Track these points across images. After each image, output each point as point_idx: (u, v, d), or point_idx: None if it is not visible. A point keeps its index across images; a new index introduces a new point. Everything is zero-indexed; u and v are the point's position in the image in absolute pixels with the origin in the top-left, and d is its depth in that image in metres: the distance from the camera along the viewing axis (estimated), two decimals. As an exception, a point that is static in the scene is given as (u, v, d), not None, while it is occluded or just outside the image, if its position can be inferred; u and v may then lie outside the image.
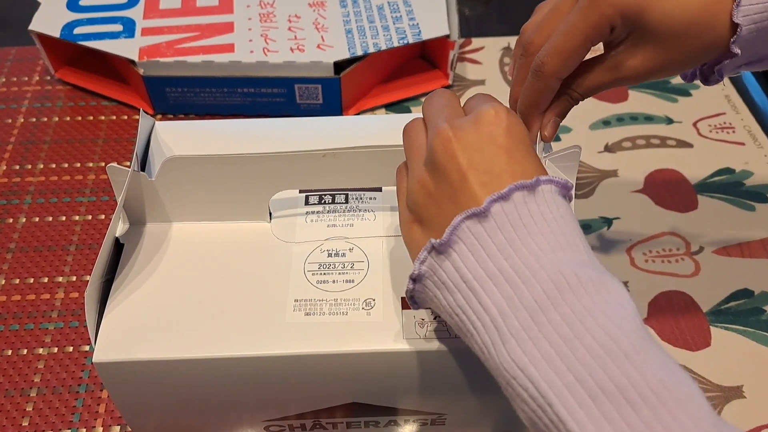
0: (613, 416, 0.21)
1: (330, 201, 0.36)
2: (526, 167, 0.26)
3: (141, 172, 0.33)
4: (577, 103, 0.33)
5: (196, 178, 0.33)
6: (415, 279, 0.27)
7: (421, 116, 0.30)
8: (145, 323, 0.31)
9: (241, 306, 0.32)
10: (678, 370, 0.22)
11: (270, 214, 0.35)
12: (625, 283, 0.47)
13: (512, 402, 0.24)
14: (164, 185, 0.33)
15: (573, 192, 0.27)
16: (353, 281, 0.33)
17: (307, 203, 0.36)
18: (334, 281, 0.33)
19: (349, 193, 0.36)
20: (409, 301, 0.28)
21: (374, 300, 0.32)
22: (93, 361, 0.30)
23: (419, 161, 0.28)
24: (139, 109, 0.55)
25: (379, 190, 0.37)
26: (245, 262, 0.33)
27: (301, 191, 0.37)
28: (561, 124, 0.34)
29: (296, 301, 0.32)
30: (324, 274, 0.33)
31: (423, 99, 0.60)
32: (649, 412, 0.20)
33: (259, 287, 0.32)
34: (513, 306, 0.23)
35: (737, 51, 0.29)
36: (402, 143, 0.31)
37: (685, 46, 0.29)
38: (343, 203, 0.36)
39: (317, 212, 0.36)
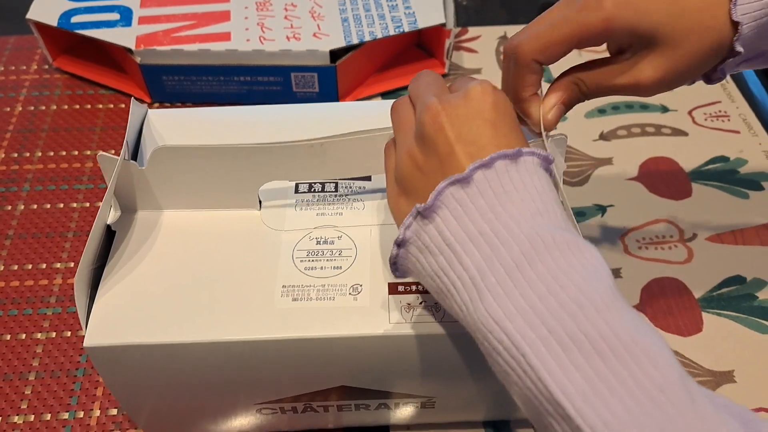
0: (581, 365, 0.21)
1: (320, 190, 0.36)
2: (511, 140, 0.27)
3: (131, 161, 0.33)
4: (584, 98, 0.33)
5: (186, 168, 0.34)
6: (399, 244, 0.27)
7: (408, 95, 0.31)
8: (136, 308, 0.31)
9: (230, 292, 0.32)
10: (647, 326, 0.23)
11: (260, 202, 0.36)
12: (619, 270, 0.47)
13: (488, 357, 0.25)
14: (155, 174, 0.34)
15: (554, 167, 0.27)
16: (341, 268, 0.33)
17: (297, 192, 0.36)
18: (322, 268, 0.33)
19: (339, 182, 0.37)
20: (392, 268, 0.29)
21: (361, 285, 0.32)
22: (84, 345, 0.30)
23: (408, 135, 0.28)
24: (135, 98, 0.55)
25: (369, 179, 0.37)
26: (235, 249, 0.34)
27: (291, 180, 0.37)
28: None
29: (284, 287, 0.32)
30: (312, 261, 0.33)
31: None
32: (617, 361, 0.21)
33: (248, 274, 0.33)
34: (491, 265, 0.24)
35: (740, 50, 0.30)
36: (390, 125, 0.31)
37: (691, 51, 0.30)
38: (332, 192, 0.36)
39: (307, 201, 0.36)
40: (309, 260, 0.33)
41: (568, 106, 0.33)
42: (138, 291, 0.32)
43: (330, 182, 0.37)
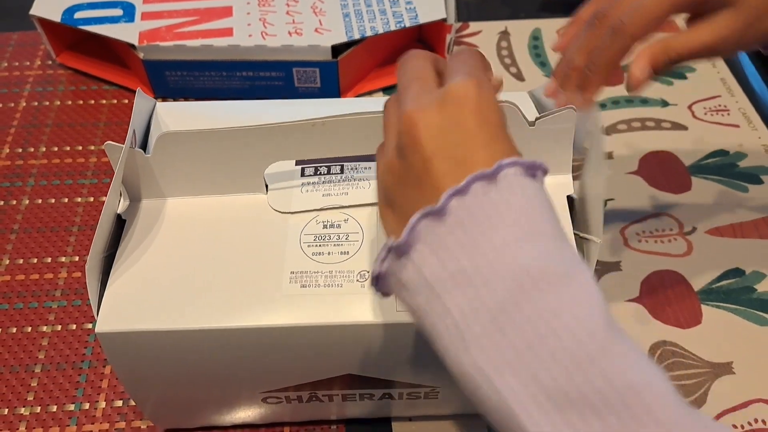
0: (577, 426, 0.20)
1: (325, 172, 0.37)
2: (494, 150, 0.24)
3: (137, 149, 0.34)
4: (670, 66, 0.34)
5: (191, 153, 0.34)
6: (376, 278, 0.25)
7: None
8: (146, 296, 0.32)
9: (239, 278, 0.32)
10: (648, 366, 0.21)
11: (266, 186, 0.36)
12: (618, 263, 0.48)
13: (478, 407, 0.23)
14: (160, 161, 0.34)
15: (547, 167, 0.25)
16: (348, 253, 0.34)
17: (303, 175, 0.37)
18: (329, 253, 0.34)
19: (345, 163, 0.37)
20: (376, 294, 0.27)
21: (368, 272, 0.33)
22: (96, 331, 0.31)
23: (391, 143, 0.26)
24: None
25: (374, 159, 0.37)
26: (242, 234, 0.34)
27: (297, 163, 0.37)
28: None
29: (292, 273, 0.33)
30: (319, 246, 0.34)
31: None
32: (615, 418, 0.20)
33: (256, 260, 0.33)
34: (475, 309, 0.22)
35: None
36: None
37: (756, 6, 0.33)
38: (338, 173, 0.37)
39: (313, 183, 0.36)
40: (316, 245, 0.34)
41: (656, 71, 0.34)
42: (148, 279, 0.32)
43: (335, 164, 0.37)
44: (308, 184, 0.36)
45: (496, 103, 0.25)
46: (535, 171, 0.24)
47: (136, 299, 0.32)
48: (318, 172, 0.37)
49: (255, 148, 0.34)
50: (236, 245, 0.34)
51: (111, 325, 0.31)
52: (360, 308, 0.32)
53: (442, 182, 0.24)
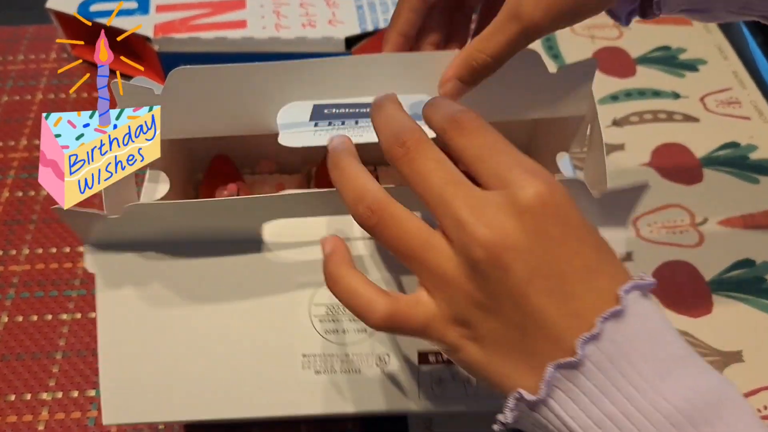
0: None
1: (340, 125, 0.33)
2: (590, 261, 0.22)
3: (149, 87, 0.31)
4: (487, 71, 0.29)
5: (205, 90, 0.31)
6: (505, 423, 0.23)
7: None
8: (147, 382, 0.30)
9: (247, 361, 0.30)
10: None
11: (279, 140, 0.32)
12: (630, 253, 0.48)
13: None
14: (172, 97, 0.31)
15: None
16: (365, 331, 0.30)
17: (316, 126, 0.33)
18: (344, 330, 0.30)
19: (360, 119, 0.32)
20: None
21: (388, 355, 0.30)
22: (103, 423, 0.30)
23: (462, 257, 0.23)
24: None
25: None
26: (245, 301, 0.30)
27: (311, 118, 0.33)
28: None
29: (304, 356, 0.30)
30: (332, 321, 0.30)
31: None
32: None
33: (263, 338, 0.30)
34: None
35: None
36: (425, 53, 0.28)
37: None
38: (353, 126, 0.33)
39: (326, 129, 0.32)
40: (329, 320, 0.30)
41: (465, 83, 0.29)
42: (146, 364, 0.30)
43: (350, 120, 0.32)
44: (321, 130, 0.32)
45: (570, 200, 0.23)
46: (649, 288, 0.23)
47: (138, 387, 0.30)
48: (331, 125, 0.32)
49: (270, 85, 0.30)
50: (240, 317, 0.30)
51: (118, 417, 0.30)
52: (381, 396, 0.29)
53: (552, 311, 0.22)
